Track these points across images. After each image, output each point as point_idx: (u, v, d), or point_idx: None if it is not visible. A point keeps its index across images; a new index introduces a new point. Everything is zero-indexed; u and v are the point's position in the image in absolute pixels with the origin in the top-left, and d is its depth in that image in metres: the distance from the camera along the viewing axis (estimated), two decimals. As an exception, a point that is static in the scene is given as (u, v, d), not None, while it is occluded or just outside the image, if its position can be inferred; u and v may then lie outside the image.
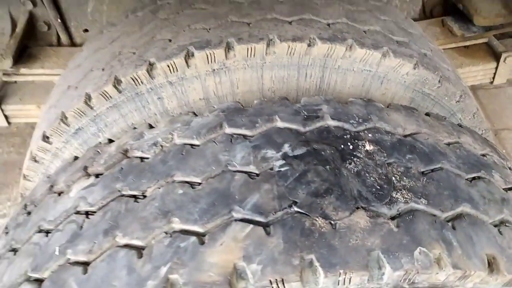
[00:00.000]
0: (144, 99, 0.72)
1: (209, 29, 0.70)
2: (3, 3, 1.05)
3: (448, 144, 0.56)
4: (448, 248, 0.43)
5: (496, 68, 1.17)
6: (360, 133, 0.52)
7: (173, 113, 0.71)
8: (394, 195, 0.46)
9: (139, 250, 0.44)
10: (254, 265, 0.40)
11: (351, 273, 0.40)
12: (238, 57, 0.67)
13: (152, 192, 0.49)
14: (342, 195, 0.45)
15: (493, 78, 1.18)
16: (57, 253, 0.50)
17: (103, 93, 0.71)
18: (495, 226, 0.47)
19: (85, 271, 0.45)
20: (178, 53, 0.68)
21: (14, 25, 1.07)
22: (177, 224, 0.45)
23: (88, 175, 0.57)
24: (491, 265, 0.44)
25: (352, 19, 0.74)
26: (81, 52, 0.91)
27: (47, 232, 0.54)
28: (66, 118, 0.75)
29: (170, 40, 0.70)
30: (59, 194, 0.58)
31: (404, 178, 0.48)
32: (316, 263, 0.40)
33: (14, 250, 0.57)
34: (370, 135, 0.52)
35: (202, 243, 0.43)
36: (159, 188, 0.49)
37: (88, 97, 0.72)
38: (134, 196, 0.50)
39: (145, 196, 0.50)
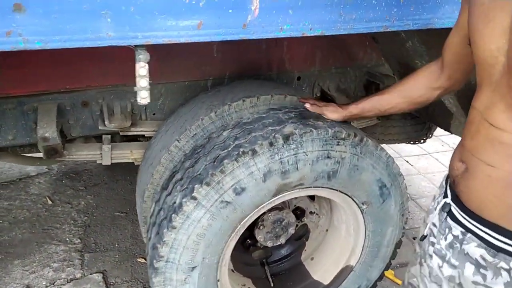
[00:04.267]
0: (225, 119, 1.80)
1: (247, 93, 1.86)
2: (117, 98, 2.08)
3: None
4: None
5: (349, 125, 2.52)
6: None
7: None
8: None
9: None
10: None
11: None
12: (261, 100, 1.83)
13: (256, 125, 1.57)
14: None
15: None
16: (231, 143, 1.50)
17: (209, 117, 1.77)
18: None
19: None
20: (238, 100, 1.81)
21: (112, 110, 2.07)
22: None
23: (226, 129, 1.60)
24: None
25: (295, 91, 1.99)
26: (176, 113, 1.97)
27: (221, 143, 1.53)
28: (190, 129, 1.77)
29: (233, 97, 1.84)
30: (217, 137, 1.58)
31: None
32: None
33: (203, 156, 1.52)
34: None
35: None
36: (258, 124, 1.57)
37: (202, 119, 1.77)
38: (250, 128, 1.56)
39: (255, 127, 1.56)
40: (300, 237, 2.13)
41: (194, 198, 1.44)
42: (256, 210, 1.56)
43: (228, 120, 1.78)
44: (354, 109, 1.57)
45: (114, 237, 2.78)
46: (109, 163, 2.04)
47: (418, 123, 2.88)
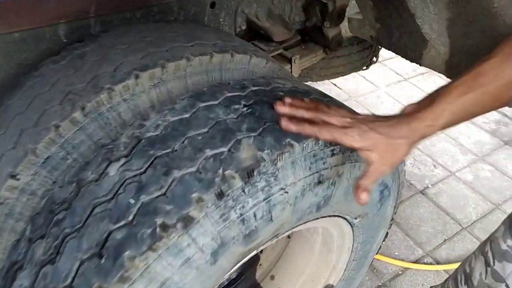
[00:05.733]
0: (105, 117, 0.93)
1: (141, 58, 0.98)
2: None
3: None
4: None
5: (291, 67, 1.78)
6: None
7: (129, 123, 0.95)
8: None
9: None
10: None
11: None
12: (169, 72, 0.98)
13: (178, 147, 0.76)
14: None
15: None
16: (132, 201, 0.69)
17: (71, 120, 0.88)
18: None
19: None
20: (127, 77, 0.93)
21: None
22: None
23: (115, 160, 0.76)
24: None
25: (224, 40, 1.14)
26: (3, 111, 1.01)
27: (108, 201, 0.71)
28: (36, 150, 0.87)
29: (114, 70, 0.95)
30: (95, 181, 0.75)
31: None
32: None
33: (73, 232, 0.70)
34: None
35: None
36: (182, 143, 0.76)
37: (58, 126, 0.88)
38: (167, 154, 0.75)
39: (175, 150, 0.75)
40: (250, 249, 1.48)
41: None
42: (201, 299, 0.83)
43: (112, 122, 0.92)
44: (429, 130, 0.76)
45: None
46: None
47: (364, 47, 2.25)
